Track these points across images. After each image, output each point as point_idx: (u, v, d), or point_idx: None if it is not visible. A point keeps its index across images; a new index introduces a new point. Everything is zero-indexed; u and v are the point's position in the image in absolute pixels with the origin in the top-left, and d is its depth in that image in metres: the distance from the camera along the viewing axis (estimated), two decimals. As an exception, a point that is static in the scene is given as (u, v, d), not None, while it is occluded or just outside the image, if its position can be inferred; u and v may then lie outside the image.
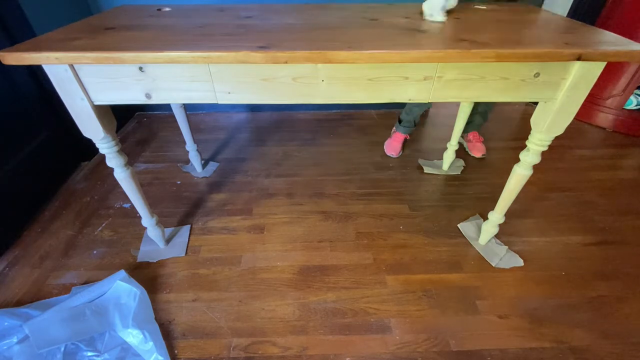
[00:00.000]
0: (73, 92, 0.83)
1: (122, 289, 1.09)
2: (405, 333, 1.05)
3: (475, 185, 1.63)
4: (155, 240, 1.29)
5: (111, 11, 1.11)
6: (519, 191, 1.11)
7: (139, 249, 1.31)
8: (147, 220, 1.21)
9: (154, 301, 1.12)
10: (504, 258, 1.25)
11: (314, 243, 1.35)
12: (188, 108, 2.30)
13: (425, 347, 1.01)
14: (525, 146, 1.04)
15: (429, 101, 0.89)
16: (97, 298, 1.08)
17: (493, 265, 1.23)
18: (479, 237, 1.33)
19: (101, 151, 0.97)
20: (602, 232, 1.37)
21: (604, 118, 2.03)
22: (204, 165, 1.75)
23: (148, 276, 1.21)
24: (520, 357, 0.99)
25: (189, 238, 1.37)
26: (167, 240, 1.34)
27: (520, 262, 1.25)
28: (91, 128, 0.91)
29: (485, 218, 1.28)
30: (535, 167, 1.04)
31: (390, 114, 2.30)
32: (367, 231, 1.39)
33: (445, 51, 0.75)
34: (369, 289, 1.17)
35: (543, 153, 1.02)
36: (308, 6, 1.15)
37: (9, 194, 1.34)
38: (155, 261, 1.27)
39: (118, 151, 0.99)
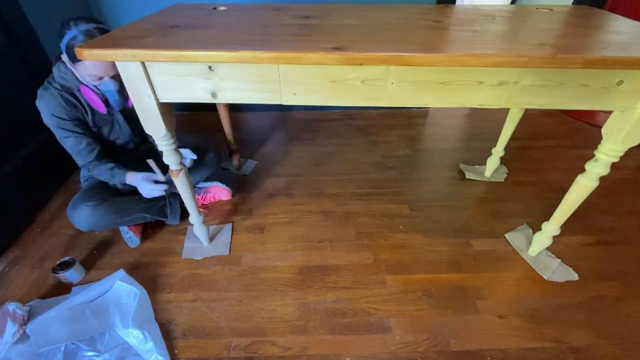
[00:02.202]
0: (141, 90, 0.84)
1: (122, 289, 1.09)
2: (405, 333, 1.05)
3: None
4: (200, 238, 1.31)
5: (168, 10, 1.11)
6: (580, 202, 1.05)
7: (183, 246, 1.33)
8: (195, 218, 1.22)
9: (154, 301, 1.12)
10: (557, 271, 1.20)
11: (314, 243, 1.35)
12: (188, 108, 2.30)
13: (425, 347, 1.01)
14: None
15: (501, 107, 0.86)
16: (97, 298, 1.08)
17: (545, 278, 1.19)
18: (528, 248, 1.28)
19: (160, 148, 0.98)
20: (603, 232, 1.37)
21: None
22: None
23: (148, 276, 1.21)
24: (520, 357, 0.99)
25: (231, 237, 1.38)
26: (210, 238, 1.35)
27: (574, 276, 1.19)
28: (154, 125, 0.91)
29: (532, 229, 1.21)
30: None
31: (390, 114, 2.30)
32: (367, 231, 1.39)
33: (529, 56, 0.72)
34: (369, 289, 1.17)
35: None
36: (362, 7, 1.14)
37: (9, 194, 1.34)
38: (199, 259, 1.28)
39: (175, 149, 1.00)
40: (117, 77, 1.09)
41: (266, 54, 0.74)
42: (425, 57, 0.73)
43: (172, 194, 1.39)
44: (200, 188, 1.52)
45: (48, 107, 1.10)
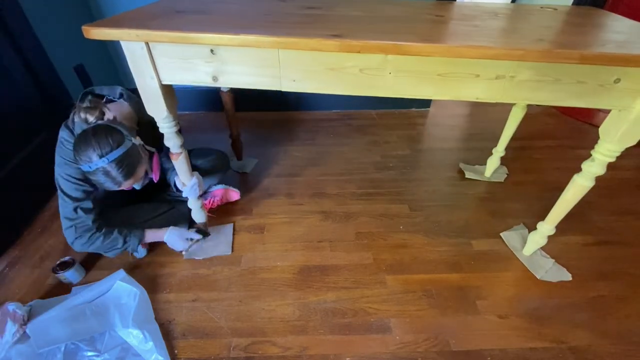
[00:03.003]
0: (145, 70, 0.85)
1: (122, 289, 1.09)
2: (405, 333, 1.05)
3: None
4: (199, 222, 1.32)
5: None
6: (575, 202, 1.06)
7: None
8: (193, 203, 1.23)
9: (154, 301, 1.12)
10: (550, 271, 1.20)
11: (314, 243, 1.35)
12: (189, 107, 2.30)
13: (425, 347, 1.01)
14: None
15: (497, 101, 0.86)
16: (97, 298, 1.08)
17: (538, 278, 1.19)
18: (522, 247, 1.28)
19: (161, 130, 0.99)
20: (602, 232, 1.37)
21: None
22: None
23: (148, 276, 1.21)
24: (520, 357, 0.99)
25: (233, 236, 1.37)
26: (210, 238, 1.36)
27: (568, 277, 1.19)
28: (156, 107, 0.92)
29: (531, 229, 1.22)
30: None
31: (390, 113, 2.30)
32: (367, 231, 1.39)
33: (525, 49, 0.72)
34: (369, 289, 1.17)
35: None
36: None
37: (10, 193, 1.34)
38: (201, 259, 1.28)
39: (176, 132, 1.01)
40: (139, 180, 1.05)
41: (267, 38, 0.76)
42: (421, 47, 0.74)
43: (179, 203, 1.37)
44: (206, 193, 1.49)
45: (60, 160, 1.05)
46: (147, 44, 0.81)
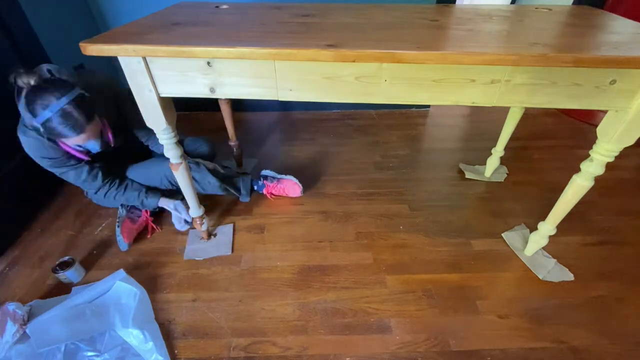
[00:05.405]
0: (142, 84, 0.86)
1: (122, 289, 1.09)
2: (405, 333, 1.05)
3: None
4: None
5: (171, 8, 1.13)
6: (575, 202, 1.06)
7: (184, 247, 1.33)
8: (195, 211, 1.24)
9: (154, 301, 1.12)
10: (552, 271, 1.20)
11: (314, 243, 1.35)
12: (188, 107, 2.30)
13: (425, 347, 1.01)
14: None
15: (494, 105, 0.86)
16: (97, 298, 1.08)
17: (540, 278, 1.19)
18: (524, 247, 1.29)
19: (161, 141, 1.00)
20: (602, 232, 1.37)
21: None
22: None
23: (148, 276, 1.21)
24: (520, 357, 0.99)
25: (233, 236, 1.38)
26: (210, 238, 1.37)
27: (570, 277, 1.19)
28: (155, 119, 0.93)
29: (531, 229, 1.22)
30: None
31: (390, 113, 2.30)
32: (367, 231, 1.39)
33: (520, 54, 0.73)
34: (369, 289, 1.17)
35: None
36: (362, 5, 1.16)
37: (10, 194, 1.34)
38: (201, 259, 1.28)
39: (176, 142, 1.02)
40: (98, 135, 1.08)
41: (262, 50, 0.76)
42: (416, 55, 0.74)
43: (244, 174, 1.51)
44: (274, 178, 1.55)
45: (35, 151, 1.08)
46: (144, 58, 0.81)
